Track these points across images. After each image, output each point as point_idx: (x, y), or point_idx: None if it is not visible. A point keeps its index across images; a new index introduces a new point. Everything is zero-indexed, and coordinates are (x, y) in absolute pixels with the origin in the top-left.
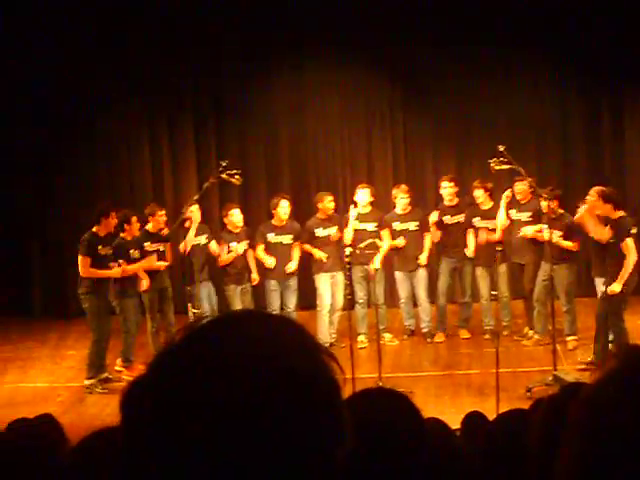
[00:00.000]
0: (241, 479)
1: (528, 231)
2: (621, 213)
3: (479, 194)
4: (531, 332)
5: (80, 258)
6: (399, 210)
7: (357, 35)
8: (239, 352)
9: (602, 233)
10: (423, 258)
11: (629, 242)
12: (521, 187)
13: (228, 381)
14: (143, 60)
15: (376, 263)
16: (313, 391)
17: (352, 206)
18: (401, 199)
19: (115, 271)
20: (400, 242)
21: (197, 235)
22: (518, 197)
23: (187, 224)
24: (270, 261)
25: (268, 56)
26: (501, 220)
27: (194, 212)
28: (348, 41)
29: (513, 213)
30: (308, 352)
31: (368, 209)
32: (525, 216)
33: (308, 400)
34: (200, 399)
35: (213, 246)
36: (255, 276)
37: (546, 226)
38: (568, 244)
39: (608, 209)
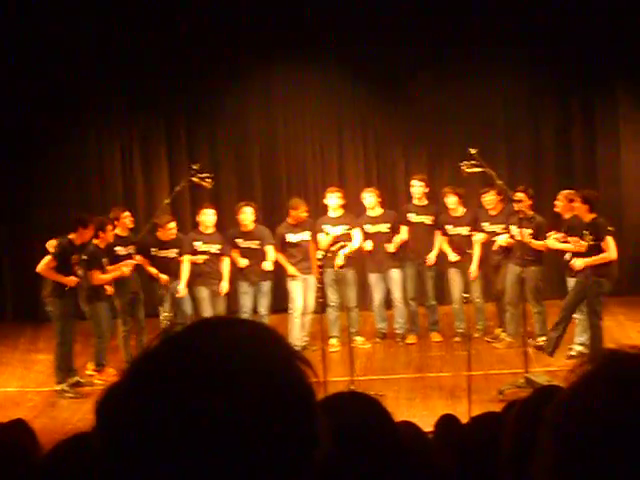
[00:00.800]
0: None
1: (501, 240)
2: (594, 215)
3: (452, 200)
4: (503, 334)
5: (47, 257)
6: (370, 212)
7: (327, 37)
8: (214, 359)
9: (579, 245)
10: (432, 257)
11: (610, 240)
12: (489, 198)
13: (203, 387)
14: (114, 63)
15: (340, 259)
16: (288, 396)
17: (325, 233)
18: (369, 199)
19: (69, 279)
20: (368, 245)
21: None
22: (488, 208)
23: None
24: (243, 262)
25: (238, 60)
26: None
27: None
28: (318, 43)
29: (486, 225)
30: (282, 358)
31: (339, 212)
32: (499, 228)
33: (284, 405)
34: (176, 405)
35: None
36: (226, 285)
37: (514, 227)
38: (539, 244)
39: (583, 210)
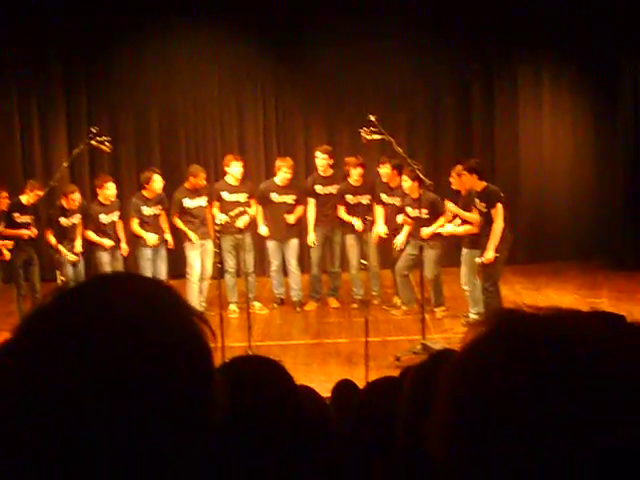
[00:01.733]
0: (110, 446)
1: (400, 239)
2: (484, 183)
3: (356, 172)
4: (399, 301)
5: None
6: (278, 181)
7: (228, 4)
8: (109, 314)
9: (473, 218)
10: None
11: (499, 208)
12: (384, 171)
13: (97, 343)
14: (10, 28)
15: (242, 222)
16: (184, 354)
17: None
18: (284, 173)
19: None
20: (263, 231)
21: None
22: (384, 180)
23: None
24: (152, 237)
25: (138, 24)
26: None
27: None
28: (219, 10)
29: (384, 197)
30: (181, 314)
31: (239, 181)
32: (398, 201)
33: (179, 364)
34: (67, 362)
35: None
36: (125, 246)
37: (410, 208)
38: (438, 223)
39: (473, 180)
